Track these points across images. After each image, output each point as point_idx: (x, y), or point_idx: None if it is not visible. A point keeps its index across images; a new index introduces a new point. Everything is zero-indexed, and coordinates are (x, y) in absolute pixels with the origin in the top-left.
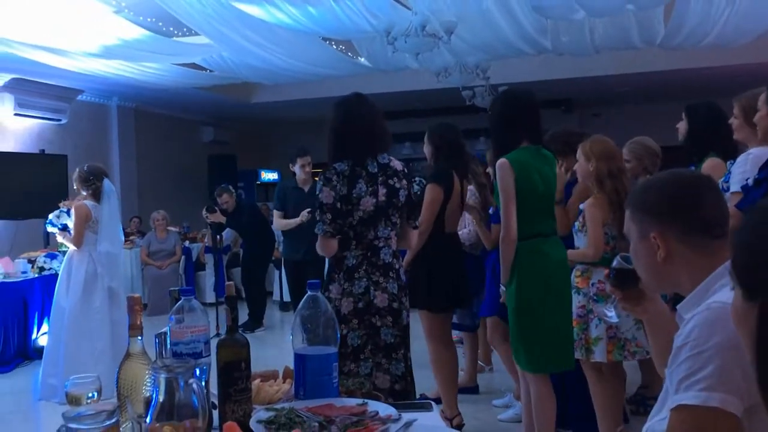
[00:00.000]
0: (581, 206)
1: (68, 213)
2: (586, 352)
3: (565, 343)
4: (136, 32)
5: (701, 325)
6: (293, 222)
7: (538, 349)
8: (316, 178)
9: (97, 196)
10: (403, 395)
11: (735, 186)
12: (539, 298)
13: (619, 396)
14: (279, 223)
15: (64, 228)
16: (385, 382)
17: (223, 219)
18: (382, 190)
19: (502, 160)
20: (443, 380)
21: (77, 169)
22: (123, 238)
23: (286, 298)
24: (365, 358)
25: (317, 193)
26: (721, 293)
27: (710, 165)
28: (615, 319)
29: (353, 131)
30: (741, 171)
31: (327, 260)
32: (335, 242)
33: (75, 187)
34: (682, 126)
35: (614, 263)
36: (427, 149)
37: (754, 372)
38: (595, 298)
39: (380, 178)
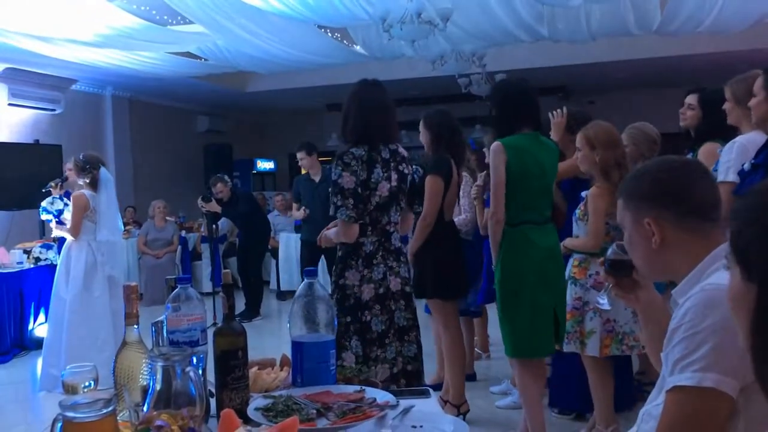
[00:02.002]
0: (583, 194)
1: (61, 198)
2: (581, 345)
3: (548, 330)
4: (129, 21)
5: (695, 307)
6: (298, 214)
7: (519, 334)
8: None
9: (94, 184)
10: (416, 376)
11: (721, 175)
12: (523, 286)
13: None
14: (294, 213)
15: (59, 214)
16: (399, 364)
17: (218, 208)
18: (394, 176)
19: (495, 143)
20: (455, 368)
21: (72, 159)
22: (122, 227)
23: (283, 287)
24: (390, 342)
25: (335, 178)
26: (715, 276)
27: (706, 150)
28: (607, 306)
29: (374, 116)
30: (726, 160)
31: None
32: (357, 227)
33: (65, 175)
34: (690, 114)
35: (609, 252)
36: (425, 137)
37: (749, 355)
38: (592, 289)
39: (392, 164)
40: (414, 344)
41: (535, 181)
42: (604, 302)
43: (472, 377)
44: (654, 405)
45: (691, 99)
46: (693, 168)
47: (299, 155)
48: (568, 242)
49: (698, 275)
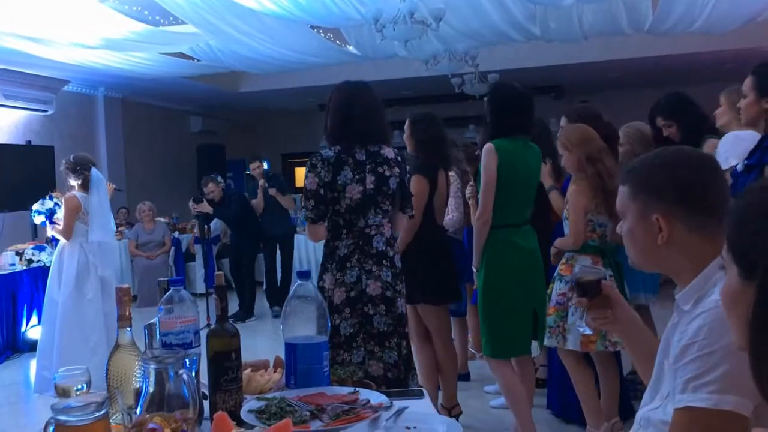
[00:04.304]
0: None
1: (51, 198)
2: (562, 339)
3: (526, 332)
4: (121, 22)
5: (710, 324)
6: (257, 202)
7: (496, 335)
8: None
9: (86, 186)
10: (396, 383)
11: (723, 164)
12: (503, 287)
13: (612, 385)
14: (256, 205)
15: (51, 214)
16: (379, 370)
17: (210, 209)
18: (370, 178)
19: (488, 145)
20: (447, 372)
21: (63, 161)
22: (114, 227)
23: None
24: (357, 346)
25: (304, 180)
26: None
27: (711, 146)
28: (589, 331)
29: (348, 117)
30: (724, 150)
31: (321, 248)
32: (322, 228)
33: (66, 179)
34: (671, 131)
35: (576, 273)
36: (408, 141)
37: (748, 356)
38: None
39: (368, 166)
40: (395, 351)
41: (520, 185)
42: (584, 328)
43: (466, 377)
44: (651, 409)
45: (660, 120)
46: (709, 165)
47: (255, 164)
48: (558, 242)
49: (704, 280)
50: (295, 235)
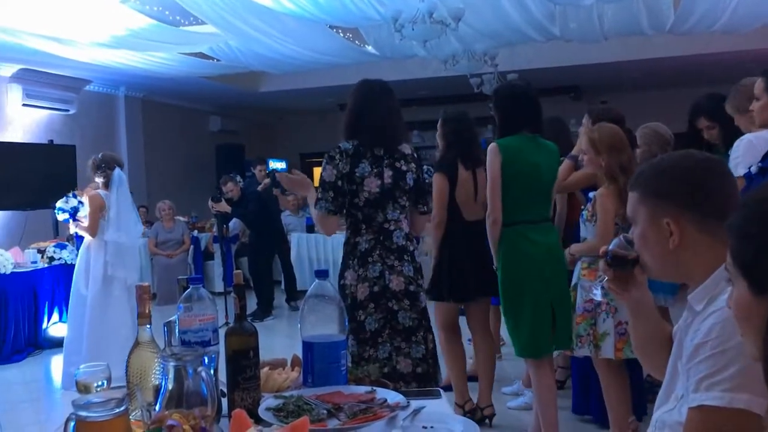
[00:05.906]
0: (590, 195)
1: (75, 196)
2: (595, 348)
3: (549, 328)
4: (142, 21)
5: (722, 323)
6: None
7: (524, 333)
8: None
9: (107, 185)
10: (426, 377)
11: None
12: (523, 283)
13: (625, 387)
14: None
15: (75, 211)
16: (407, 366)
17: (228, 209)
18: (387, 173)
19: (492, 144)
20: (455, 369)
21: (92, 158)
22: (141, 228)
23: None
24: (383, 341)
25: (321, 172)
26: None
27: None
28: (599, 298)
29: (369, 120)
30: (735, 156)
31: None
32: (334, 220)
33: (92, 176)
34: (713, 133)
35: (613, 244)
36: (439, 139)
37: (762, 368)
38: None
39: (386, 161)
40: (422, 345)
41: (529, 181)
42: (597, 293)
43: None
44: (666, 412)
45: (704, 121)
46: (717, 166)
47: (260, 167)
48: (574, 248)
49: (716, 281)
50: (302, 234)
